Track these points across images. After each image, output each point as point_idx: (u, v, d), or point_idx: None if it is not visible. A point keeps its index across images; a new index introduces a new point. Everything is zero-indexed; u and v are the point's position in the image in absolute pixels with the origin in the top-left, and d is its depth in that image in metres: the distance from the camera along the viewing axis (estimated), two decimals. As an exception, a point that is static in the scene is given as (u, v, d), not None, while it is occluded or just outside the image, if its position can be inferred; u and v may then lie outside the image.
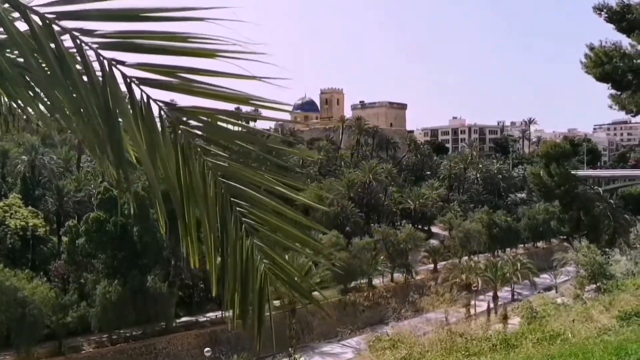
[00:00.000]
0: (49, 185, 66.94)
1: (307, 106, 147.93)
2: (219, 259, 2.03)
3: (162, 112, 1.91)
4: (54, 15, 1.79)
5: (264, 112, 2.07)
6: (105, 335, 46.49)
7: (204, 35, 1.82)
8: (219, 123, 2.00)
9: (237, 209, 2.04)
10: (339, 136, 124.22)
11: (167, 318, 48.89)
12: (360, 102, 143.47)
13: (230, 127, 2.05)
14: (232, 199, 2.03)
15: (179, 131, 1.93)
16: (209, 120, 1.97)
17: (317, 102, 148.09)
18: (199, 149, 1.97)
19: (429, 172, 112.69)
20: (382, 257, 65.30)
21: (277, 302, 53.10)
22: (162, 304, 46.73)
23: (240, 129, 2.04)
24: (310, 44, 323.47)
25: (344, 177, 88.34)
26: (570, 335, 13.88)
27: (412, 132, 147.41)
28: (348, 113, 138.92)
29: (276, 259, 2.10)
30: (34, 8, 1.77)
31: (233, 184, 2.01)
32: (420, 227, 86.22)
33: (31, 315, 40.32)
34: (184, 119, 1.95)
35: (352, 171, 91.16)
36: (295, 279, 2.10)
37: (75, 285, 48.57)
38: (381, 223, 77.48)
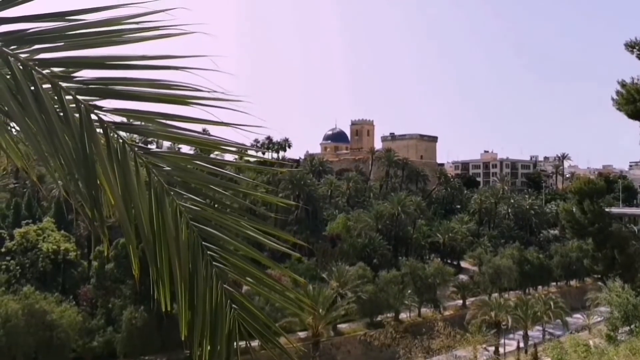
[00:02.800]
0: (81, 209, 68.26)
1: (337, 137, 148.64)
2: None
3: (136, 156, 1.96)
4: (36, 62, 1.86)
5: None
6: (129, 361, 46.59)
7: (181, 83, 1.87)
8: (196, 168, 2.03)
9: (209, 253, 2.06)
10: (369, 167, 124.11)
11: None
12: (390, 133, 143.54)
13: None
14: (203, 243, 2.05)
15: (153, 175, 1.98)
16: (183, 164, 2.01)
17: (348, 133, 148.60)
18: (172, 193, 2.00)
19: (459, 206, 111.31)
20: (409, 291, 64.32)
21: (301, 334, 52.85)
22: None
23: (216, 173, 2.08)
24: (341, 77, 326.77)
25: (372, 209, 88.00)
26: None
27: (442, 165, 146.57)
28: (378, 144, 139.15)
29: (245, 303, 2.10)
30: (16, 54, 1.85)
31: (205, 228, 2.04)
32: (449, 261, 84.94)
33: (58, 339, 40.84)
34: (158, 163, 1.99)
35: (380, 203, 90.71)
36: (264, 323, 2.10)
37: (103, 309, 49.07)
38: (409, 256, 76.51)
